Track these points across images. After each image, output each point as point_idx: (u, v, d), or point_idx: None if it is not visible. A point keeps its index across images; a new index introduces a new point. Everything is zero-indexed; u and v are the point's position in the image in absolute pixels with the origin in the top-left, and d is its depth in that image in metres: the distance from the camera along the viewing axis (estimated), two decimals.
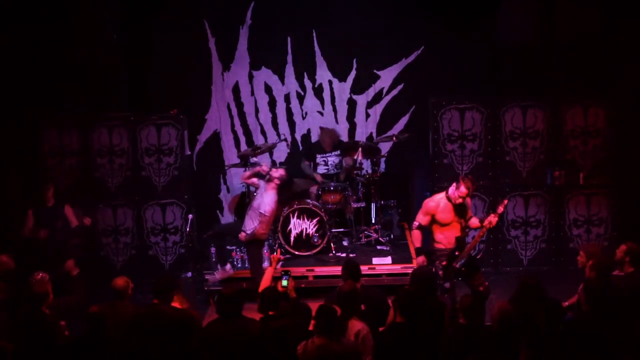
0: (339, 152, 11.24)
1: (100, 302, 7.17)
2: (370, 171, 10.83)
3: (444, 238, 8.56)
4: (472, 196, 9.79)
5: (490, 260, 10.73)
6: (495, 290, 8.87)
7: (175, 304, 7.13)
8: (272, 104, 11.84)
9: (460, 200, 8.45)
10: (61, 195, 10.09)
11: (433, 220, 8.59)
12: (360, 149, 10.62)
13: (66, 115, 10.81)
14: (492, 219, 8.41)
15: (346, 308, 6.74)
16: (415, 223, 8.66)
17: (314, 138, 11.62)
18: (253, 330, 6.65)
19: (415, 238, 8.71)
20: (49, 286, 7.54)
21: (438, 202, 8.57)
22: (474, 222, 8.68)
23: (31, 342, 6.77)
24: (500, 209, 8.49)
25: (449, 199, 8.52)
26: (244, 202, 11.20)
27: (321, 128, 11.44)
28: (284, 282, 7.28)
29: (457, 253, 8.40)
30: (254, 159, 10.64)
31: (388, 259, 10.16)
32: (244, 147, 11.79)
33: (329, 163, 11.28)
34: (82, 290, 8.74)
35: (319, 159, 11.32)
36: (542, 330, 6.38)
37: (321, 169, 11.34)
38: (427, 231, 8.79)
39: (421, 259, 8.59)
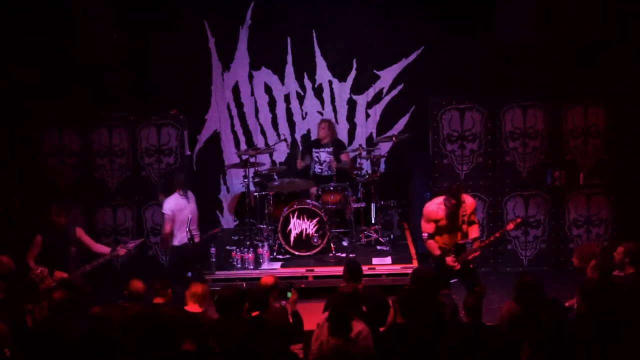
0: (331, 149, 11.23)
1: (106, 303, 7.16)
2: (370, 171, 10.83)
3: (442, 240, 8.51)
4: (473, 196, 9.77)
5: (490, 260, 10.72)
6: (495, 290, 8.87)
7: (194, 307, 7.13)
8: (272, 104, 11.84)
9: (443, 206, 8.41)
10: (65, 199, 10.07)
11: (437, 226, 8.52)
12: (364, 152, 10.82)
13: (66, 115, 10.81)
14: (498, 232, 8.37)
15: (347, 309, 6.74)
16: (424, 234, 8.52)
17: (314, 137, 11.61)
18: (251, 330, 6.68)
19: (432, 248, 8.48)
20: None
21: (437, 209, 8.50)
22: (473, 231, 8.52)
23: (44, 346, 6.76)
24: (510, 226, 8.45)
25: (446, 205, 8.49)
26: (243, 202, 11.22)
27: (321, 120, 11.44)
28: (288, 294, 7.29)
29: (453, 257, 8.36)
30: (254, 159, 10.69)
31: (388, 259, 10.16)
32: (243, 147, 11.79)
33: (322, 160, 11.26)
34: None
35: (313, 154, 11.33)
36: (545, 330, 6.38)
37: (316, 169, 11.34)
38: (419, 235, 8.79)
39: (450, 259, 8.34)
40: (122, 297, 7.37)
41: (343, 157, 11.16)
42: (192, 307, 7.10)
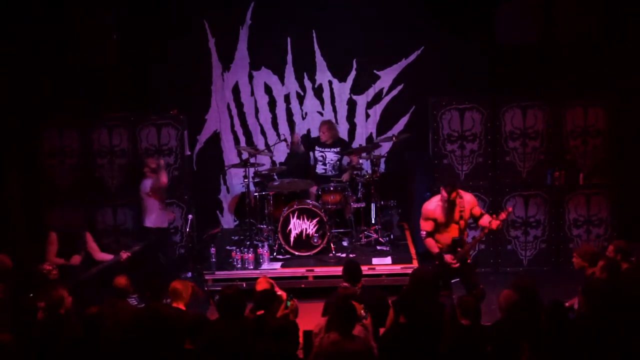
0: (338, 149, 11.23)
1: (100, 303, 7.18)
2: (370, 171, 10.83)
3: (441, 238, 8.54)
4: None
5: (490, 260, 10.74)
6: (495, 290, 8.86)
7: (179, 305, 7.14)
8: (272, 104, 11.83)
9: (440, 203, 8.43)
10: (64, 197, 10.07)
11: (436, 224, 8.55)
12: (364, 153, 10.81)
13: (66, 115, 10.82)
14: (495, 222, 8.39)
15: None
16: (423, 232, 8.60)
17: (314, 137, 11.61)
18: (253, 330, 6.67)
19: (430, 246, 8.56)
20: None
21: (435, 207, 8.53)
22: (484, 220, 8.60)
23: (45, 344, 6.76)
24: (503, 216, 8.47)
25: (442, 200, 8.52)
26: (243, 202, 11.21)
27: (321, 122, 11.44)
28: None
29: (451, 255, 8.38)
30: (254, 159, 10.68)
31: (388, 259, 10.16)
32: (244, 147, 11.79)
33: (327, 161, 11.26)
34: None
35: (317, 153, 11.32)
36: (544, 332, 6.38)
37: (319, 169, 11.33)
38: (419, 235, 8.80)
39: (449, 256, 8.40)
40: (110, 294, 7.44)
41: (353, 158, 11.15)
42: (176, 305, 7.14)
